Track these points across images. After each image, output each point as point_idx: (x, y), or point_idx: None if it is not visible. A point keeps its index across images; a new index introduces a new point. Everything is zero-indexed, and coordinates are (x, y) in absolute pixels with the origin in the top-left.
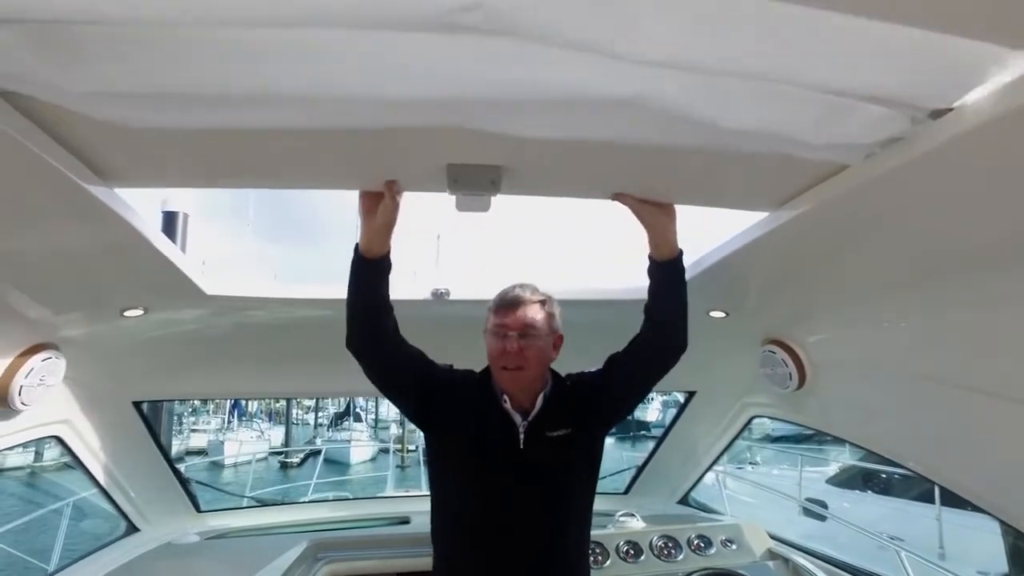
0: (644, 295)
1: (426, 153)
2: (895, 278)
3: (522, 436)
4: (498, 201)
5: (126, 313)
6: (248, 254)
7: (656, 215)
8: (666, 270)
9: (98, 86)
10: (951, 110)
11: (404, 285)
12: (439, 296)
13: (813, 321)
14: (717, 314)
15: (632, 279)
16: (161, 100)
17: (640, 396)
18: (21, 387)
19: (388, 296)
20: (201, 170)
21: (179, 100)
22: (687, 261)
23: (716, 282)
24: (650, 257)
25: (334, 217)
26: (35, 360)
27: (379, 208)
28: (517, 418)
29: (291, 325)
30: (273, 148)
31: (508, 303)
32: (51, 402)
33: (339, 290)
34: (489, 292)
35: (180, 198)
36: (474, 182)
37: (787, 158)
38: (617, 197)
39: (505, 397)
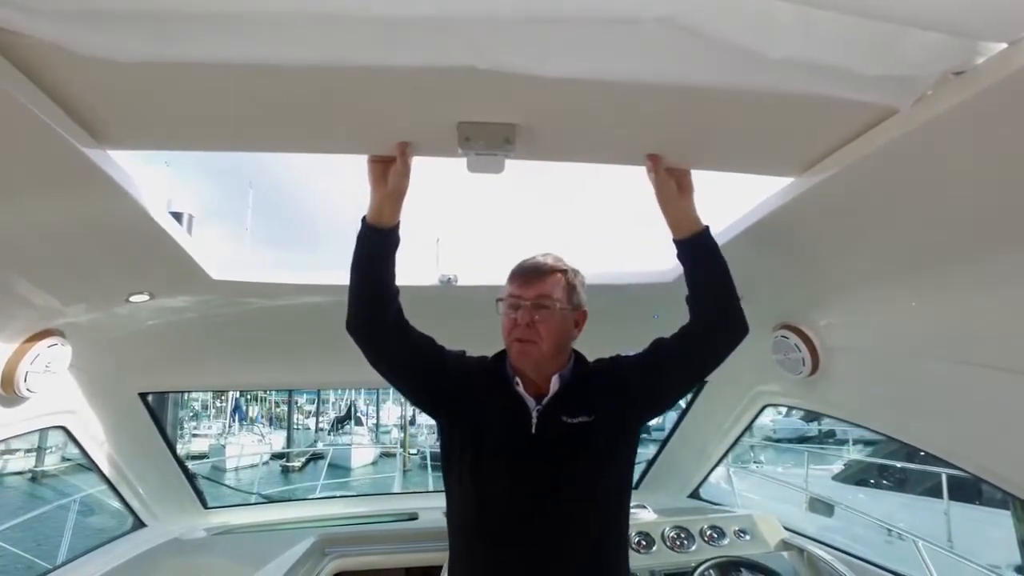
0: (653, 279)
1: (436, 112)
2: (918, 255)
3: (535, 421)
4: (499, 197)
5: (132, 298)
6: (249, 259)
7: (675, 194)
8: (696, 248)
9: (74, 3)
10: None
11: (410, 272)
12: (447, 282)
13: (827, 304)
14: None
15: (643, 264)
16: (145, 25)
17: (689, 387)
18: (27, 373)
19: (394, 275)
20: (201, 130)
21: (165, 26)
22: None
23: (730, 263)
24: (675, 242)
25: (332, 224)
26: (41, 346)
27: (390, 173)
28: (530, 402)
29: (299, 313)
30: (275, 107)
31: (525, 271)
32: (57, 391)
33: (346, 276)
34: (497, 278)
35: (182, 201)
36: (487, 141)
37: (817, 113)
38: (651, 157)
39: (518, 380)
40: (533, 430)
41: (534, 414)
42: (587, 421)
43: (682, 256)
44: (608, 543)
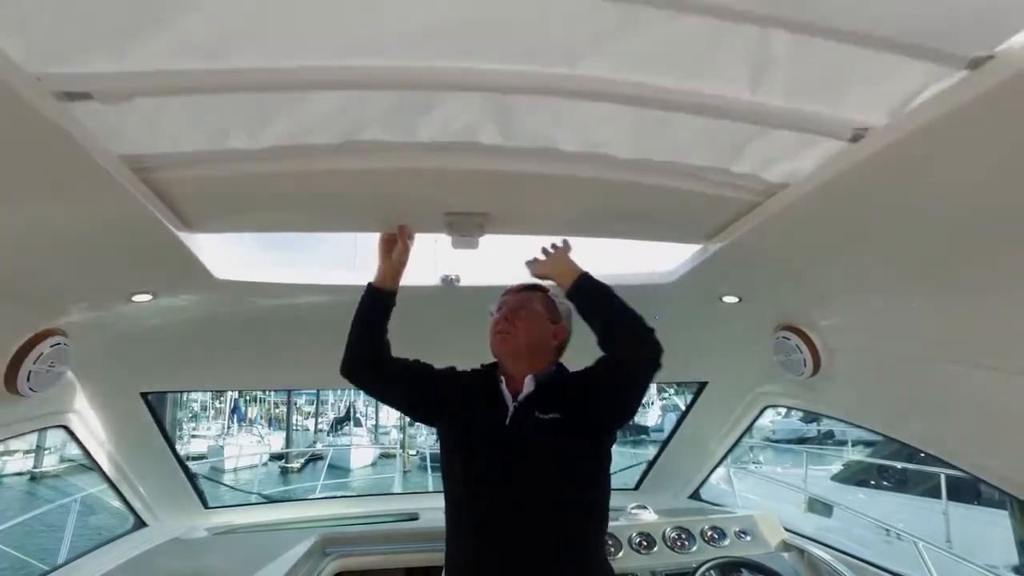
0: (653, 279)
1: (429, 203)
2: (919, 257)
3: (510, 414)
4: None
5: (134, 298)
6: (249, 259)
7: (552, 266)
8: (578, 292)
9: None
10: (990, 57)
11: (411, 273)
12: (449, 282)
13: (829, 305)
14: (730, 299)
15: (643, 264)
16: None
17: (634, 399)
18: (30, 372)
19: (386, 330)
20: (265, 217)
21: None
22: (692, 249)
23: (730, 264)
24: (567, 296)
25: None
26: (44, 345)
27: (394, 251)
28: (508, 398)
29: (301, 313)
30: (328, 203)
31: (511, 288)
32: (59, 391)
33: (348, 275)
34: (499, 279)
35: None
36: (465, 226)
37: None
38: (528, 265)
39: (503, 378)
40: (507, 422)
41: (511, 408)
42: (557, 418)
43: (578, 305)
44: (585, 536)
